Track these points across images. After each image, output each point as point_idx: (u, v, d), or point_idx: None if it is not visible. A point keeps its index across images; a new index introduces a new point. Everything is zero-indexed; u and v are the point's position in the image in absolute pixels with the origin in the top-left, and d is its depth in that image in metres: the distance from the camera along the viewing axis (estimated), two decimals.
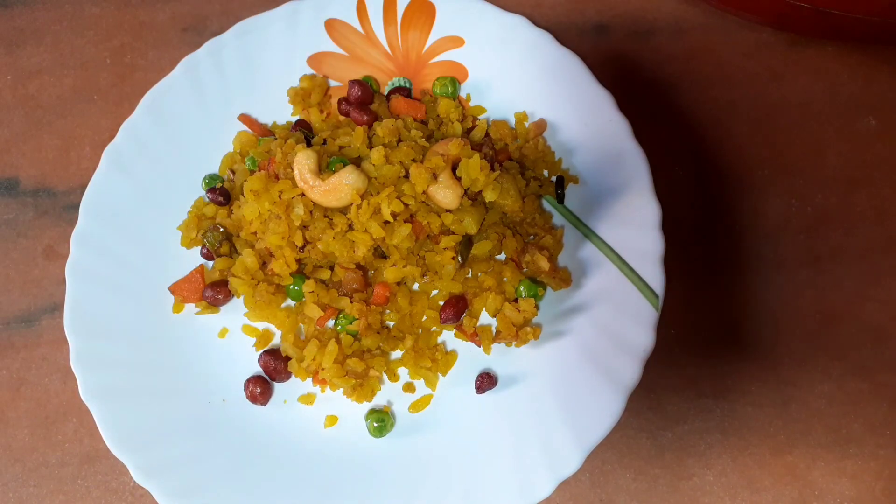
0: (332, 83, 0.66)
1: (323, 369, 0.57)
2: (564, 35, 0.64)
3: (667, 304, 0.59)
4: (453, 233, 0.57)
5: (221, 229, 0.61)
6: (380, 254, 0.58)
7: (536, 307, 0.57)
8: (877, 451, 0.60)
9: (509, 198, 0.57)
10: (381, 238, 0.55)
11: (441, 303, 0.59)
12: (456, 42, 0.65)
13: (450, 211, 0.56)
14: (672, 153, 0.66)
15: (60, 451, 0.63)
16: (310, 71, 0.66)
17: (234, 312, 0.61)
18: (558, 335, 0.59)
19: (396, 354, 0.60)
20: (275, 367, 0.59)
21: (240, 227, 0.61)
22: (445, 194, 0.55)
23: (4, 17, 0.73)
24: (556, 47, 0.63)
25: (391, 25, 0.66)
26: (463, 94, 0.65)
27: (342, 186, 0.54)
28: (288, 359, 0.59)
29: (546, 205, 0.62)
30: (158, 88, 0.64)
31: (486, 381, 0.58)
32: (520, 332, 0.57)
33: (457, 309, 0.58)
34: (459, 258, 0.58)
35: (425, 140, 0.59)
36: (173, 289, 0.61)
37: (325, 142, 0.60)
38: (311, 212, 0.56)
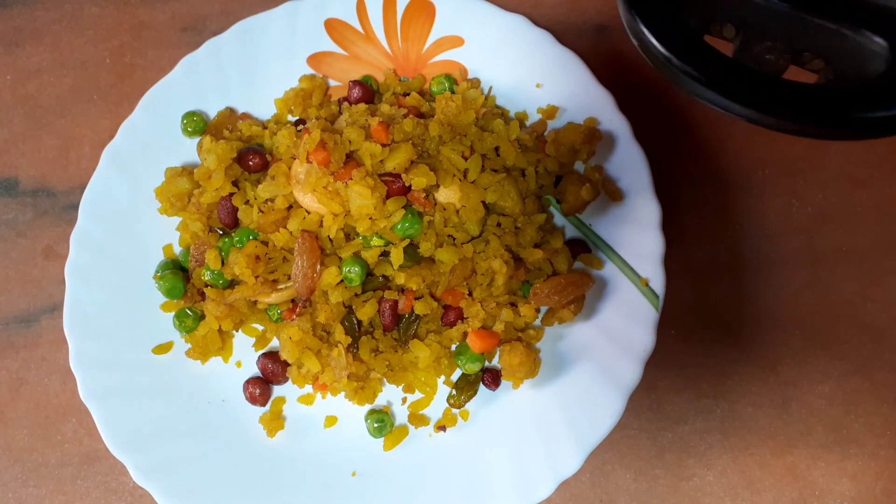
0: (332, 83, 0.66)
1: (322, 373, 0.56)
2: (564, 35, 0.64)
3: (667, 304, 0.58)
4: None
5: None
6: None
7: (537, 311, 0.57)
8: (877, 452, 0.60)
9: (509, 200, 0.57)
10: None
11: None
12: (456, 42, 0.65)
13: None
14: (672, 153, 0.66)
15: (60, 452, 0.63)
16: (309, 71, 0.66)
17: None
18: (559, 336, 0.58)
19: None
20: (272, 370, 0.58)
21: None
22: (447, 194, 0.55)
23: (4, 17, 0.73)
24: (556, 47, 0.63)
25: (391, 25, 0.66)
26: None
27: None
28: (287, 363, 0.58)
29: None
30: (158, 88, 0.64)
31: (490, 377, 0.57)
32: (522, 335, 0.57)
33: (458, 312, 0.58)
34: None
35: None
36: None
37: None
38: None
